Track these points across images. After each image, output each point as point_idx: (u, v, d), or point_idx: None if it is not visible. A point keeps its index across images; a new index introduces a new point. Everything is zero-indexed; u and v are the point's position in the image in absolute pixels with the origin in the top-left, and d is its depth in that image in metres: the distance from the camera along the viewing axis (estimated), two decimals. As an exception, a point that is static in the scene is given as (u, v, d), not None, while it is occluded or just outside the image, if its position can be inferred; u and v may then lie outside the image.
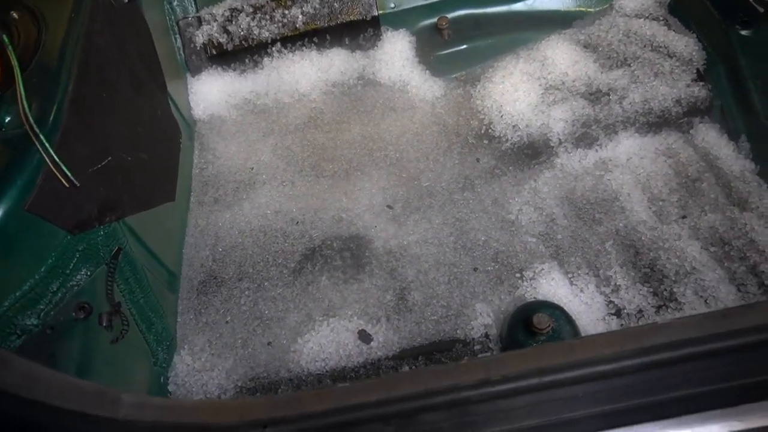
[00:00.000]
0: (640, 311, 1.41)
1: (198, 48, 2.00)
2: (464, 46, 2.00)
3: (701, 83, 1.73)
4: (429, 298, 1.52)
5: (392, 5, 1.99)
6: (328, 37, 2.00)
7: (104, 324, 1.24)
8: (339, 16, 1.96)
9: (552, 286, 1.47)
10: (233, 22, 1.97)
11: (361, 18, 1.97)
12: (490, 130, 1.81)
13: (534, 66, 1.86)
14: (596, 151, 1.71)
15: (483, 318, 1.46)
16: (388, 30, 2.02)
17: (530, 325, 1.30)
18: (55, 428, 0.73)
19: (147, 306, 1.42)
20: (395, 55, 1.98)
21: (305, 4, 1.95)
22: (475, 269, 1.55)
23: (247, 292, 1.60)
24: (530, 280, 1.49)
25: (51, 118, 1.22)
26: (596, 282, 1.48)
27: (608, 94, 1.76)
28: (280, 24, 1.97)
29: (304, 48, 2.02)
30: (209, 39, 1.99)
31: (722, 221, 1.52)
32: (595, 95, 1.78)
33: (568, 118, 1.74)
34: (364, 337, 1.45)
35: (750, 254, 1.44)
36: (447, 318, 1.48)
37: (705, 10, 1.77)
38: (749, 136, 1.62)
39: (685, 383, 0.90)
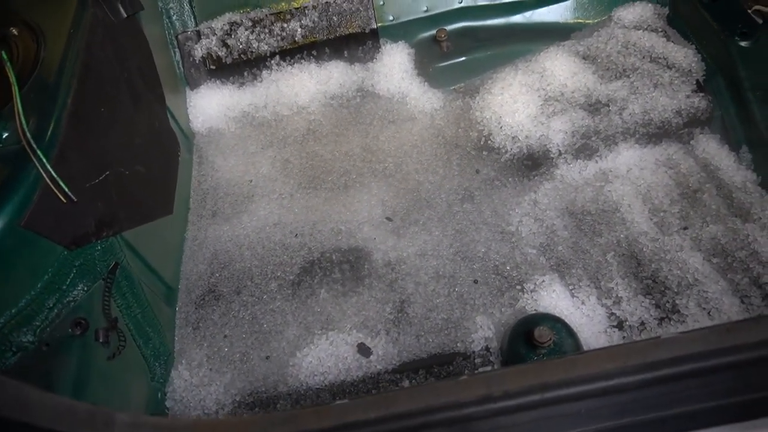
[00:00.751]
0: (643, 323, 1.40)
1: (197, 61, 2.00)
2: (463, 58, 2.01)
3: (701, 94, 1.72)
4: (429, 311, 1.50)
5: (391, 18, 2.00)
6: (326, 49, 2.00)
7: (101, 340, 1.22)
8: (338, 29, 1.97)
9: (553, 298, 1.46)
10: (232, 36, 1.97)
11: (360, 31, 1.98)
12: (489, 142, 1.81)
13: (533, 77, 1.86)
14: (596, 162, 1.70)
15: (483, 331, 1.44)
16: (387, 42, 2.02)
17: (531, 338, 1.29)
18: (46, 450, 0.72)
19: (144, 321, 1.41)
20: (394, 67, 1.99)
21: (304, 18, 1.95)
22: (476, 281, 1.54)
23: (245, 306, 1.59)
24: (531, 292, 1.48)
25: (49, 133, 1.21)
26: (597, 294, 1.46)
27: (608, 105, 1.76)
28: (279, 37, 1.97)
29: (302, 61, 2.02)
30: (208, 52, 1.99)
31: (724, 232, 1.51)
32: (594, 106, 1.78)
33: (568, 129, 1.73)
34: (364, 350, 1.44)
35: (753, 265, 1.43)
36: (447, 331, 1.46)
37: (703, 22, 1.78)
38: (750, 147, 1.61)
39: (688, 399, 0.89)
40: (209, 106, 2.02)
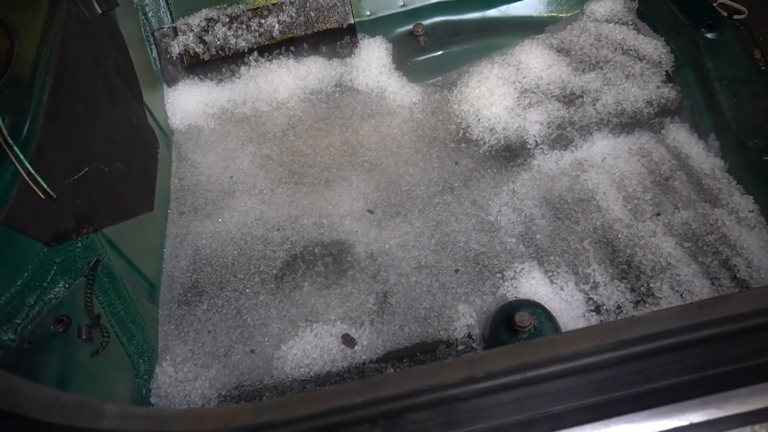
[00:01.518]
0: (619, 307, 1.44)
1: (174, 58, 1.99)
2: (440, 52, 2.03)
3: (670, 85, 1.78)
4: (411, 301, 1.53)
5: (368, 13, 2.01)
6: (304, 45, 2.01)
7: (84, 337, 1.21)
8: (315, 24, 1.97)
9: (532, 285, 1.49)
10: (209, 32, 1.97)
11: (337, 26, 1.99)
12: (467, 134, 1.84)
13: (509, 70, 1.90)
14: (572, 152, 1.74)
15: (465, 318, 1.47)
16: (364, 37, 2.04)
17: (512, 323, 1.32)
18: (36, 441, 0.72)
19: (127, 317, 1.40)
20: (372, 62, 2.00)
21: (281, 14, 1.95)
22: (457, 271, 1.57)
23: (229, 301, 1.59)
24: (511, 279, 1.51)
25: (25, 129, 1.20)
26: (575, 280, 1.50)
27: (582, 97, 1.80)
28: (257, 33, 1.97)
29: (281, 57, 2.02)
30: (185, 49, 1.98)
31: (695, 217, 1.56)
32: (569, 98, 1.82)
33: (544, 121, 1.77)
34: (348, 341, 1.45)
35: (722, 249, 1.48)
36: (430, 320, 1.48)
37: (672, 15, 1.83)
38: (717, 135, 1.67)
39: (663, 374, 0.92)
40: (187, 103, 2.01)
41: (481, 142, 1.81)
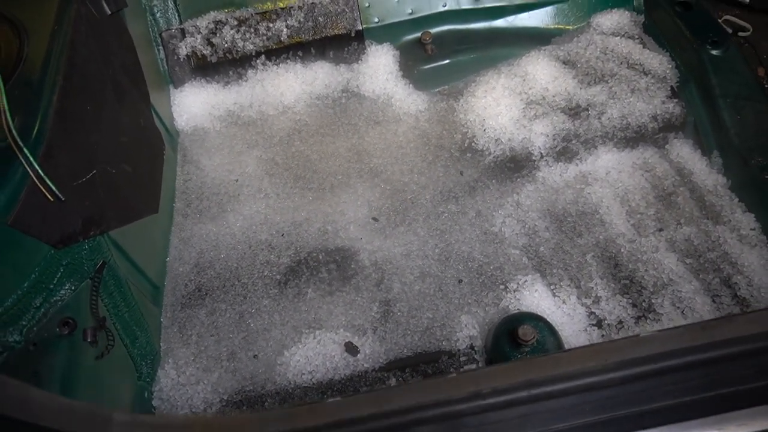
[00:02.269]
0: (620, 322, 1.45)
1: (181, 60, 1.99)
2: (447, 61, 2.04)
3: (675, 100, 1.79)
4: (415, 310, 1.53)
5: (376, 20, 2.02)
6: (312, 50, 2.01)
7: (89, 339, 1.22)
8: (323, 30, 1.98)
9: (535, 297, 1.50)
10: (217, 35, 1.97)
11: (345, 32, 1.99)
12: (473, 144, 1.85)
13: (515, 81, 1.91)
14: (576, 165, 1.76)
15: (468, 330, 1.48)
16: (372, 44, 2.04)
17: (515, 336, 1.33)
18: (46, 449, 0.73)
19: (131, 320, 1.41)
20: (379, 68, 2.01)
21: (290, 18, 1.96)
22: (460, 281, 1.58)
23: (232, 305, 1.60)
24: (514, 291, 1.52)
25: (35, 131, 1.20)
26: (578, 293, 1.51)
27: (587, 110, 1.81)
28: (265, 37, 1.97)
29: (288, 61, 2.02)
30: (193, 51, 1.99)
31: (697, 234, 1.57)
32: (574, 110, 1.83)
33: (549, 133, 1.78)
34: (351, 349, 1.46)
35: (723, 266, 1.50)
36: (433, 330, 1.49)
37: (677, 30, 1.84)
38: (721, 152, 1.68)
39: (666, 394, 0.93)
40: (194, 105, 2.01)
41: (486, 153, 1.82)
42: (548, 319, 1.42)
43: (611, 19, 2.00)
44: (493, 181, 1.78)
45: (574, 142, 1.77)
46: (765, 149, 1.59)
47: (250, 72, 2.03)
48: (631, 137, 1.77)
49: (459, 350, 1.45)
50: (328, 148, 1.93)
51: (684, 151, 1.74)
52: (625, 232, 1.60)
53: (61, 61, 1.35)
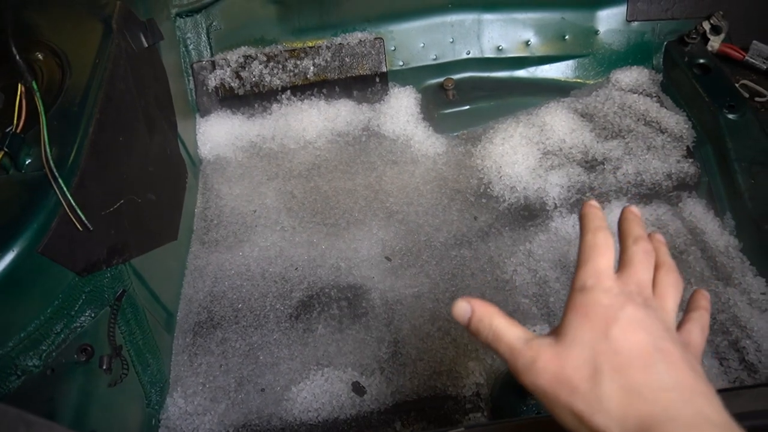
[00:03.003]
0: (627, 380, 1.45)
1: (209, 90, 2.06)
2: (467, 107, 2.08)
3: (690, 160, 1.82)
4: (423, 353, 1.55)
5: (401, 63, 2.07)
6: (336, 88, 2.07)
7: (104, 367, 1.25)
8: (349, 69, 2.04)
9: (543, 349, 1.51)
10: (246, 69, 2.03)
11: (370, 73, 2.05)
12: (488, 190, 1.88)
13: (533, 131, 1.95)
14: (589, 217, 1.78)
15: (475, 376, 1.49)
16: (395, 86, 2.10)
17: (522, 388, 1.34)
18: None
19: (145, 347, 1.44)
20: (401, 110, 2.06)
21: (317, 57, 2.02)
22: (469, 327, 1.59)
23: (243, 336, 1.62)
24: (522, 341, 1.53)
25: (70, 161, 1.25)
26: (585, 347, 1.52)
27: (603, 164, 1.85)
28: (292, 73, 2.04)
29: (312, 97, 2.08)
30: (221, 83, 2.05)
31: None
32: (590, 163, 1.86)
33: (564, 184, 1.81)
34: (358, 389, 1.48)
35: (732, 329, 1.50)
36: (440, 374, 1.51)
37: (695, 92, 1.88)
38: (733, 214, 1.70)
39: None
40: (218, 134, 2.06)
41: (501, 199, 1.85)
42: (555, 373, 1.42)
43: (630, 76, 2.05)
44: (507, 228, 1.81)
45: (588, 194, 1.80)
46: (778, 214, 1.61)
47: (274, 106, 2.09)
48: (645, 193, 1.80)
49: (465, 397, 1.46)
50: (346, 184, 1.97)
51: (697, 211, 1.76)
52: (635, 288, 1.62)
53: (98, 94, 1.41)
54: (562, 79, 2.11)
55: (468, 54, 2.09)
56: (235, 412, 1.47)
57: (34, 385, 1.14)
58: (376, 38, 2.02)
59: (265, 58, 2.03)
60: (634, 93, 2.00)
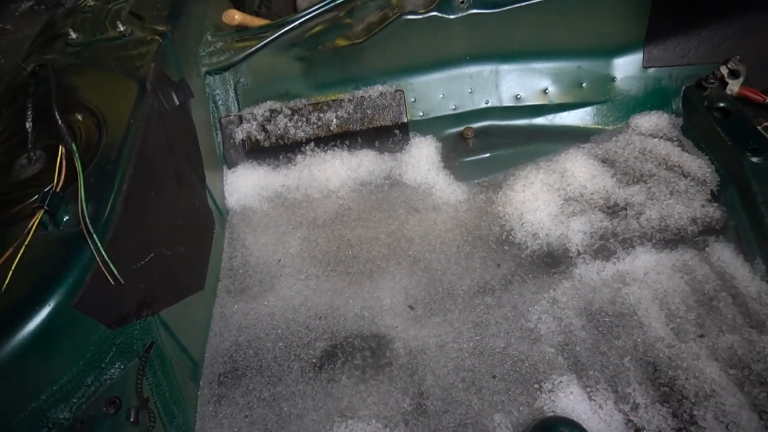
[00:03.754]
0: (660, 433, 1.41)
1: (237, 143, 2.14)
2: (487, 155, 2.12)
3: (715, 204, 1.80)
4: (447, 404, 1.53)
5: (421, 114, 2.13)
6: (359, 139, 2.13)
7: (132, 420, 1.26)
8: (371, 121, 2.10)
9: (570, 400, 1.48)
10: (271, 122, 2.11)
11: (391, 124, 2.11)
12: (510, 237, 1.88)
13: (554, 177, 1.96)
14: (614, 263, 1.76)
15: (501, 430, 1.46)
16: (416, 136, 2.15)
17: (549, 442, 1.31)
18: None
19: (171, 399, 1.45)
20: (422, 159, 2.10)
21: (340, 109, 2.09)
22: (494, 377, 1.57)
23: (267, 386, 1.62)
24: (549, 392, 1.50)
25: (104, 218, 1.31)
26: (615, 398, 1.48)
27: (625, 209, 1.84)
28: (315, 126, 2.11)
29: (335, 148, 2.14)
30: (248, 136, 2.13)
31: (740, 343, 1.54)
32: (612, 209, 1.86)
33: (587, 230, 1.81)
34: (382, 442, 1.46)
35: (769, 380, 1.45)
36: (464, 426, 1.48)
37: (716, 136, 1.88)
38: (764, 259, 1.67)
39: None
40: (244, 185, 2.13)
41: (524, 246, 1.85)
42: (584, 425, 1.39)
43: (650, 121, 2.06)
44: (530, 275, 1.80)
45: (611, 240, 1.79)
46: (810, 258, 1.58)
47: (299, 157, 2.15)
48: (670, 239, 1.78)
49: (491, 451, 1.43)
50: (369, 233, 2.00)
51: (725, 256, 1.73)
52: (664, 336, 1.58)
53: (132, 152, 1.48)
54: (582, 126, 2.13)
55: (487, 103, 2.14)
56: (259, 465, 1.46)
57: None
58: (396, 90, 2.08)
59: (289, 112, 2.11)
60: (655, 137, 2.00)
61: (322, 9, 2.13)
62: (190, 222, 1.78)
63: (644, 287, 1.69)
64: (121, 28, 1.90)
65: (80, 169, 1.31)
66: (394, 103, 2.09)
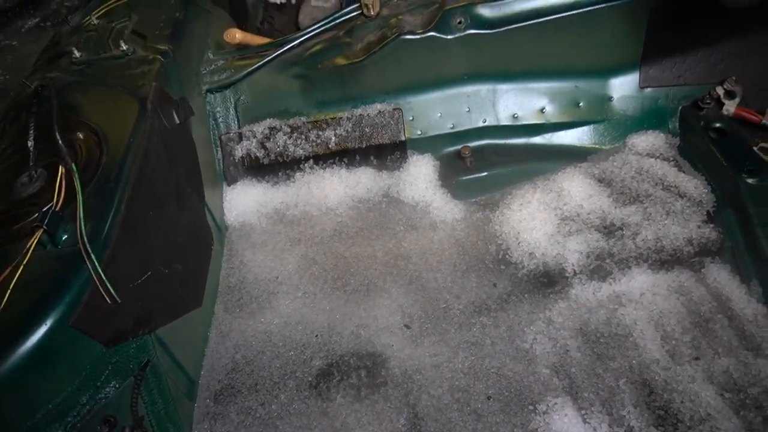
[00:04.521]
0: (655, 457, 1.40)
1: (236, 160, 2.16)
2: (485, 173, 2.13)
3: (711, 225, 1.80)
4: (442, 425, 1.53)
5: (419, 132, 2.15)
6: (357, 156, 2.15)
7: (126, 439, 1.27)
8: (369, 139, 2.12)
9: (565, 422, 1.48)
10: (271, 139, 2.13)
11: (389, 142, 2.13)
12: (507, 256, 1.89)
13: (551, 196, 1.97)
14: (610, 284, 1.76)
15: (495, 451, 1.46)
16: (413, 154, 2.16)
17: (543, 466, 1.30)
18: None
19: (167, 417, 1.46)
20: (419, 177, 2.11)
21: (338, 128, 2.11)
22: (489, 398, 1.57)
23: (263, 404, 1.63)
24: (543, 414, 1.50)
25: (102, 237, 1.32)
26: (609, 421, 1.48)
27: (622, 229, 1.84)
28: (314, 143, 2.13)
29: (334, 165, 2.16)
30: (247, 153, 2.15)
31: (736, 366, 1.53)
32: (609, 229, 1.86)
33: (583, 250, 1.81)
34: (376, 463, 1.46)
35: (766, 404, 1.44)
36: (459, 448, 1.48)
37: (712, 156, 1.89)
38: (760, 281, 1.67)
39: None
40: (243, 202, 2.14)
41: (520, 266, 1.86)
42: (578, 449, 1.39)
43: (646, 141, 2.07)
44: (526, 295, 1.80)
45: (608, 261, 1.79)
46: (806, 281, 1.58)
47: (298, 174, 2.17)
48: (666, 260, 1.78)
49: (485, 473, 1.42)
50: (366, 250, 2.01)
51: (721, 277, 1.73)
52: (659, 358, 1.58)
53: (132, 170, 1.49)
54: (579, 145, 2.14)
55: (484, 122, 2.16)
56: (252, 484, 1.46)
57: None
58: (394, 109, 2.11)
59: (289, 129, 2.13)
60: (651, 157, 2.01)
61: (322, 28, 2.16)
62: (189, 239, 1.79)
63: (640, 308, 1.69)
64: (124, 47, 1.93)
65: (79, 188, 1.32)
66: (392, 122, 2.11)
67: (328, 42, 2.16)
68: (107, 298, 1.27)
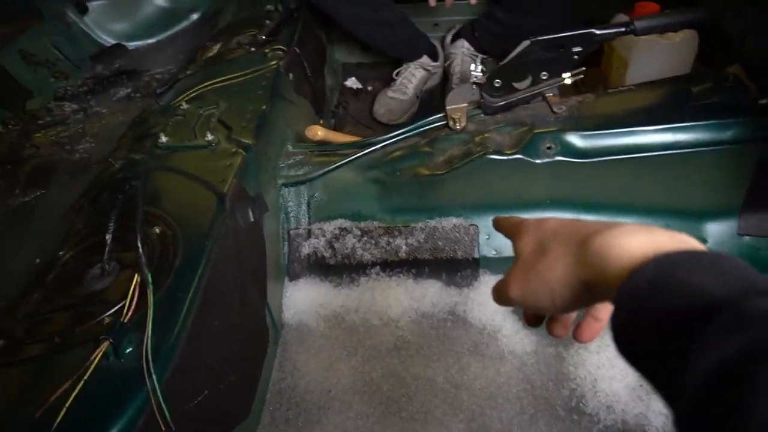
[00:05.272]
0: None
1: (302, 257, 2.11)
2: (560, 304, 1.99)
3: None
4: None
5: (494, 252, 2.05)
6: (426, 269, 2.06)
7: None
8: (441, 252, 2.03)
9: None
10: (340, 240, 2.08)
11: (461, 258, 2.03)
12: (581, 405, 1.73)
13: (632, 342, 1.81)
14: (700, 459, 1.57)
15: None
16: (486, 273, 2.06)
17: None
18: None
19: None
20: (490, 298, 1.98)
21: (410, 237, 2.04)
22: None
23: None
24: None
25: (165, 355, 1.26)
26: None
27: (714, 394, 1.66)
28: (384, 250, 2.06)
29: (401, 275, 2.07)
30: (314, 251, 2.10)
31: None
32: (699, 392, 1.68)
33: (669, 414, 1.63)
34: None
35: None
36: None
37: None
38: None
39: None
40: (303, 301, 2.07)
41: (596, 419, 1.69)
42: None
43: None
44: (602, 457, 1.62)
45: (698, 430, 1.60)
46: None
47: (363, 278, 2.09)
48: None
49: None
50: (426, 372, 1.88)
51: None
52: None
53: (203, 278, 1.45)
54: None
55: (562, 248, 2.04)
56: None
57: None
58: (470, 225, 2.03)
59: (359, 232, 2.07)
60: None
61: (407, 135, 2.14)
62: (247, 344, 1.72)
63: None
64: (210, 137, 1.95)
65: (152, 305, 1.28)
66: (467, 238, 2.02)
67: (409, 149, 2.13)
68: (162, 425, 1.19)
